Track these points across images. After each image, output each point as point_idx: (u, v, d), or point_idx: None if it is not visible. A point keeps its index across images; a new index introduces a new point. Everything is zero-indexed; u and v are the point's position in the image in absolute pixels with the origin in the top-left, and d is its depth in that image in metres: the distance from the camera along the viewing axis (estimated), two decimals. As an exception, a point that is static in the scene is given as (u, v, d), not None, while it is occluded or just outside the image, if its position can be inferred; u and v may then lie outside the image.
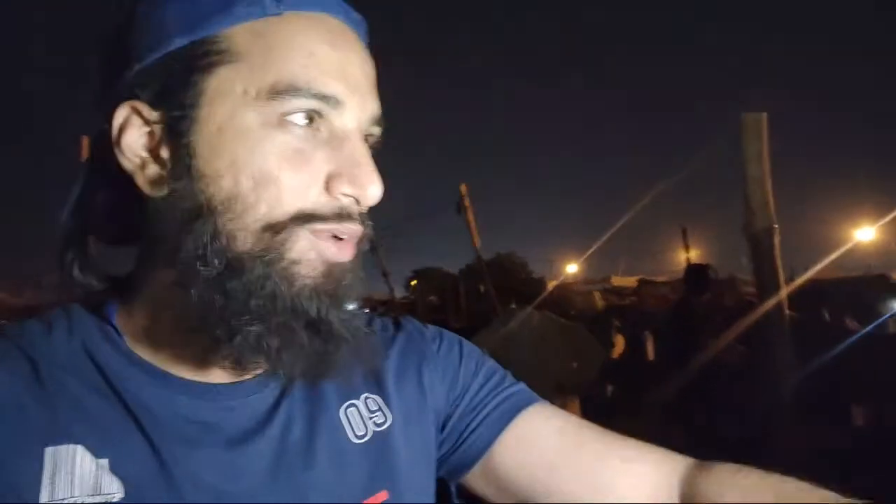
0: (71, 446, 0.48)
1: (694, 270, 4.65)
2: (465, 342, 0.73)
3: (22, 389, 0.49)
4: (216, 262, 0.49)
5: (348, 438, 0.59)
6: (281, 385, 0.58)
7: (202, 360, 0.54)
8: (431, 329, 0.73)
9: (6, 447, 0.46)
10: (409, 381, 0.66)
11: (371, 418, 0.61)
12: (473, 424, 0.66)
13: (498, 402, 0.66)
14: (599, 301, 7.12)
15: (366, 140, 0.55)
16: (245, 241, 0.49)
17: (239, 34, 0.50)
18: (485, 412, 0.66)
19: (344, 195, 0.51)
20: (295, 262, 0.50)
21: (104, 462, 0.48)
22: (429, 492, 0.64)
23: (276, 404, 0.57)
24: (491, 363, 0.72)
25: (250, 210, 0.49)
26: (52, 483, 0.46)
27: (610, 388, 5.53)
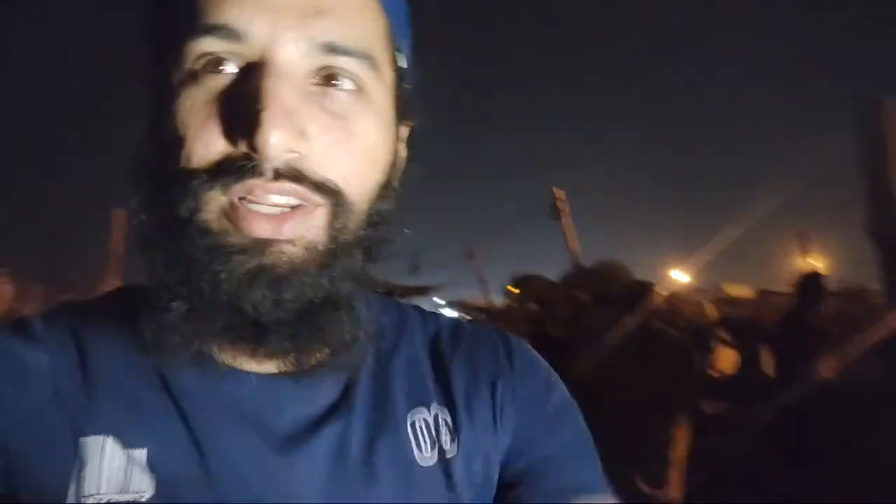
0: (102, 437, 0.45)
1: (806, 279, 4.26)
2: (552, 373, 0.64)
3: (62, 374, 0.47)
4: (154, 234, 0.46)
5: (415, 459, 0.53)
6: (344, 382, 0.53)
7: (236, 346, 0.49)
8: (515, 343, 0.64)
9: (41, 437, 0.44)
10: (480, 400, 0.58)
11: (438, 438, 0.55)
12: (525, 489, 0.57)
13: (559, 479, 0.57)
14: (711, 311, 6.71)
15: (327, 76, 0.46)
16: (168, 211, 0.45)
17: None
18: (543, 484, 0.57)
19: (247, 147, 0.43)
20: (207, 233, 0.44)
21: (140, 453, 0.45)
22: None
23: (336, 405, 0.52)
24: (571, 415, 0.63)
25: (171, 176, 0.45)
26: (80, 477, 0.44)
27: (715, 405, 5.15)
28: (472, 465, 0.55)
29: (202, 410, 0.48)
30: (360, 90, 0.47)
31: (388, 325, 0.59)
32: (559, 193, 4.02)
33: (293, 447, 0.48)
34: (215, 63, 0.44)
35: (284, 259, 0.44)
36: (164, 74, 0.46)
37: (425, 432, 0.54)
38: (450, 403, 0.57)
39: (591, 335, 4.09)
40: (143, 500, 0.44)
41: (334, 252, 0.46)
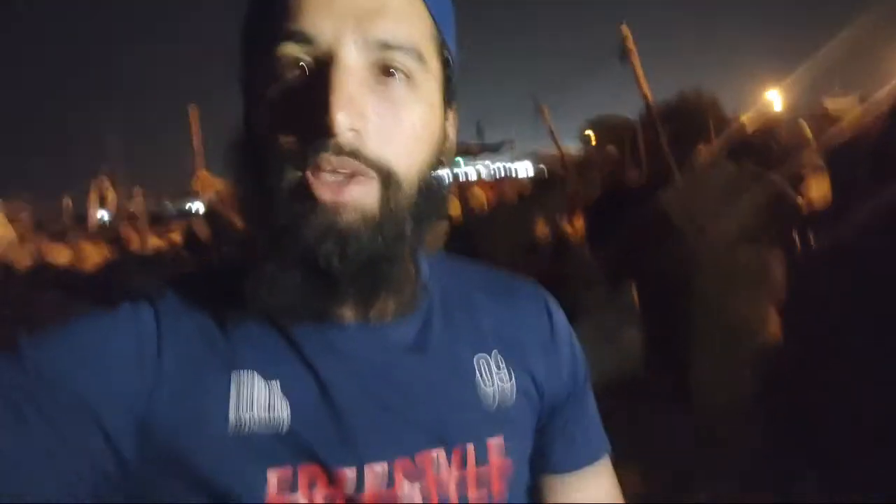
0: (249, 371, 0.57)
1: None
2: (576, 340, 0.75)
3: (210, 326, 0.59)
4: (247, 204, 0.57)
5: (480, 385, 0.64)
6: (419, 327, 0.64)
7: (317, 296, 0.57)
8: (554, 308, 0.74)
9: (201, 370, 0.56)
10: (531, 355, 0.69)
11: (498, 374, 0.65)
12: (538, 447, 0.70)
13: (566, 445, 0.71)
14: (806, 131, 6.26)
15: (382, 68, 0.54)
16: (256, 184, 0.55)
17: None
18: (553, 446, 0.70)
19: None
20: (287, 201, 0.53)
21: (275, 384, 0.57)
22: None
23: (414, 346, 0.63)
24: (589, 386, 0.75)
25: (259, 155, 0.55)
26: (237, 401, 0.55)
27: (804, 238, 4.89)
28: (525, 405, 0.67)
29: (313, 350, 0.58)
30: (409, 80, 0.56)
31: (448, 279, 0.69)
32: (625, 31, 3.63)
33: (382, 379, 0.60)
34: (293, 61, 0.53)
35: (346, 220, 0.52)
36: (252, 72, 0.57)
37: (486, 369, 0.65)
38: (507, 351, 0.67)
39: (671, 174, 3.95)
40: (285, 415, 0.55)
41: (386, 217, 0.54)
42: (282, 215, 0.53)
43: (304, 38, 0.53)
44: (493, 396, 0.64)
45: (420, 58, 0.56)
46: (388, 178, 0.54)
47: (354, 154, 0.52)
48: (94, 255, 4.12)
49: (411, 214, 0.56)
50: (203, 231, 4.52)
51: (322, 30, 0.52)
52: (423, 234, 0.60)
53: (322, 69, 0.52)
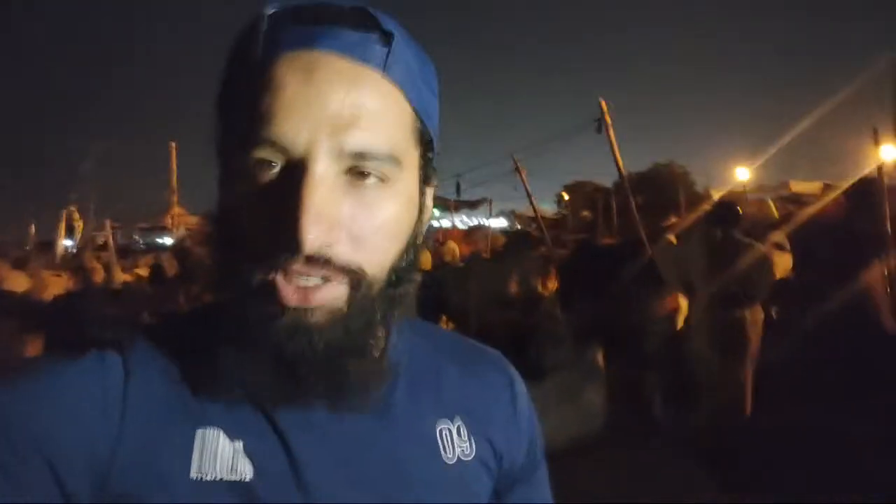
0: (214, 429, 0.55)
1: (858, 184, 3.92)
2: (535, 415, 0.76)
3: (178, 379, 0.57)
4: (220, 291, 0.57)
5: (442, 461, 0.64)
6: (383, 395, 0.63)
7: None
8: (517, 377, 0.75)
9: (166, 425, 0.54)
10: (493, 421, 0.69)
11: (460, 443, 0.66)
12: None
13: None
14: (775, 210, 6.47)
15: (361, 173, 0.54)
16: (227, 278, 0.54)
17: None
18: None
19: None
20: (255, 299, 0.52)
21: (239, 444, 0.55)
22: None
23: (380, 413, 0.62)
24: (543, 462, 0.75)
25: (230, 251, 0.54)
26: (200, 459, 0.54)
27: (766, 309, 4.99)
28: (483, 474, 0.67)
29: (281, 413, 0.57)
30: (384, 181, 0.55)
31: (415, 344, 0.70)
32: (604, 105, 3.74)
33: (342, 442, 0.59)
34: (266, 167, 0.53)
35: (314, 321, 0.52)
36: (227, 169, 0.57)
37: (448, 439, 0.65)
38: (469, 420, 0.67)
39: (641, 241, 4.04)
40: (247, 479, 0.54)
41: (355, 313, 0.54)
42: (250, 312, 0.52)
43: (276, 146, 0.52)
44: (454, 466, 0.64)
45: (396, 161, 0.55)
46: (358, 281, 0.54)
47: (325, 262, 0.52)
48: (54, 285, 4.01)
49: (383, 300, 0.57)
50: (171, 266, 4.44)
51: (296, 139, 0.52)
52: (396, 314, 0.60)
53: (294, 177, 0.51)
